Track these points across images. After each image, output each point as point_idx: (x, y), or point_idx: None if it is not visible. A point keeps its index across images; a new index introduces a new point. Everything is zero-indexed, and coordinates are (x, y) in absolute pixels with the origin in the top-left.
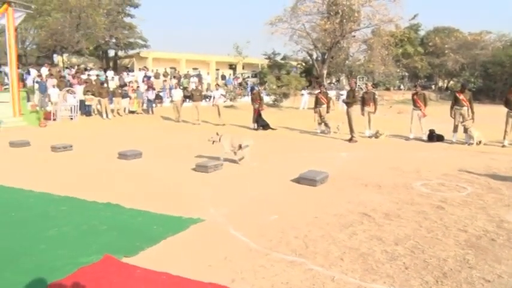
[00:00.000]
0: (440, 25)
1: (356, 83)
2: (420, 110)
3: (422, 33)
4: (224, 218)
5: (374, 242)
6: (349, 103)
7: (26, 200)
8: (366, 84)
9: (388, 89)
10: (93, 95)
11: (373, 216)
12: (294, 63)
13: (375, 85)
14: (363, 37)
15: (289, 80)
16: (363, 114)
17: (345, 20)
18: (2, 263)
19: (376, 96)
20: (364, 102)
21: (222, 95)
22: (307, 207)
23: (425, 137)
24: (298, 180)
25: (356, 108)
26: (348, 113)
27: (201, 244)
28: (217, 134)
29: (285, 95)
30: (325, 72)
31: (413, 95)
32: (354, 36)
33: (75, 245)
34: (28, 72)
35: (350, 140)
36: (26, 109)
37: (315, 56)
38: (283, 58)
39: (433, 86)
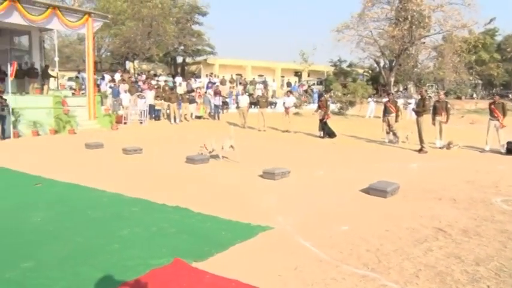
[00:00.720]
0: None
1: (427, 91)
2: (498, 120)
3: (499, 38)
4: (293, 226)
5: (452, 261)
6: (419, 112)
7: (100, 199)
8: (438, 92)
9: (459, 98)
10: (163, 100)
11: (449, 232)
12: (360, 71)
13: (445, 93)
14: (433, 43)
15: (356, 87)
16: (433, 124)
17: (414, 26)
18: (80, 258)
19: (449, 106)
20: (435, 112)
21: (294, 102)
22: (378, 220)
23: (503, 150)
24: (368, 191)
25: (426, 118)
26: (417, 123)
27: (270, 253)
28: (205, 147)
29: (351, 103)
30: (392, 80)
31: (490, 104)
32: (424, 42)
33: (146, 246)
34: (102, 78)
35: (420, 150)
36: (100, 112)
37: (382, 64)
38: (349, 65)
39: (510, 95)
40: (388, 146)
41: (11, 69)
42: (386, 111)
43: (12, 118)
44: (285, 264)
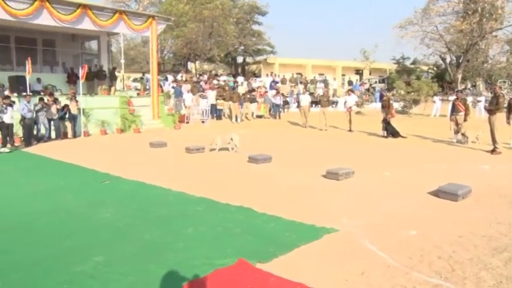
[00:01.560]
0: None
1: (501, 88)
2: None
3: None
4: (358, 229)
5: None
6: (492, 110)
7: (165, 198)
8: None
9: None
10: (224, 99)
11: None
12: (425, 68)
13: None
14: (507, 37)
15: (420, 85)
16: (508, 123)
17: (484, 19)
18: (148, 255)
19: None
20: (510, 110)
21: (355, 101)
22: (449, 225)
23: None
24: (437, 194)
25: (499, 117)
26: (490, 122)
27: (335, 256)
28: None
29: (415, 102)
30: (459, 76)
31: None
32: (496, 36)
33: (211, 246)
34: (165, 79)
35: (493, 151)
36: (163, 112)
37: (448, 60)
38: (413, 62)
39: None
40: (457, 146)
41: (82, 72)
42: (454, 110)
43: (83, 118)
44: (352, 268)
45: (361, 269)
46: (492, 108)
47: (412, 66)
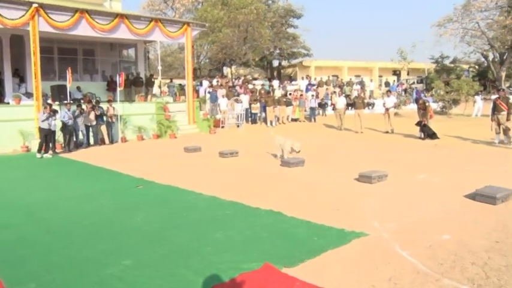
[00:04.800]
0: None
1: None
2: None
3: None
4: (389, 233)
5: None
6: None
7: (196, 202)
8: None
9: None
10: (259, 103)
11: None
12: (465, 67)
13: None
14: None
15: (460, 84)
16: None
17: None
18: (176, 259)
19: None
20: None
21: (394, 102)
22: (485, 229)
23: None
24: (474, 197)
25: None
26: None
27: (363, 261)
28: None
29: (455, 102)
30: (503, 74)
31: None
32: None
33: (238, 250)
34: (201, 84)
35: None
36: (199, 117)
37: (491, 57)
38: (453, 61)
39: None
40: (499, 147)
41: (120, 80)
42: (495, 109)
43: (120, 124)
44: (379, 274)
45: (389, 275)
46: None
47: (452, 65)
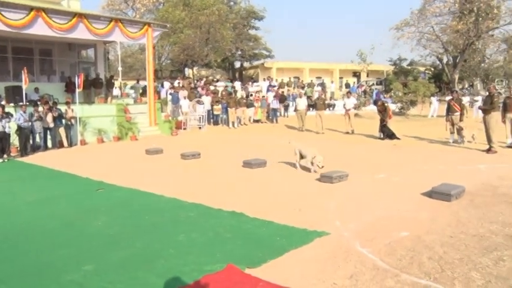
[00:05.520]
0: None
1: (495, 87)
2: None
3: None
4: (350, 232)
5: None
6: (486, 110)
7: (158, 204)
8: (510, 87)
9: None
10: (220, 105)
11: None
12: (422, 69)
13: None
14: (503, 35)
15: (417, 86)
16: (503, 122)
17: (481, 19)
18: (138, 262)
19: None
20: (506, 108)
21: (354, 103)
22: (441, 225)
23: None
24: (430, 194)
25: (496, 116)
26: (485, 121)
27: (325, 259)
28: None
29: (412, 103)
30: (456, 77)
31: None
32: (492, 35)
33: (201, 252)
34: (162, 85)
35: (488, 150)
36: (160, 119)
37: (445, 60)
38: (410, 64)
39: None
40: (453, 146)
41: (79, 81)
42: (449, 110)
43: (79, 127)
44: (341, 272)
45: (350, 272)
46: (487, 107)
47: (409, 67)
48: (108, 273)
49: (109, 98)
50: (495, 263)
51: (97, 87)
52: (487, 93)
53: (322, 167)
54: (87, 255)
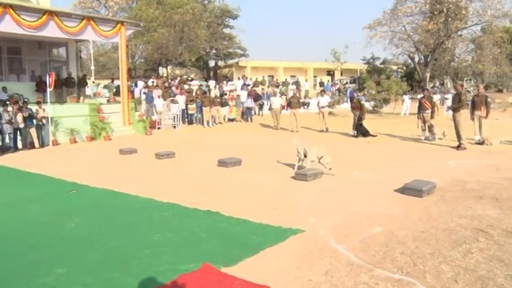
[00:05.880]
0: None
1: (463, 86)
2: None
3: None
4: (325, 229)
5: (494, 264)
6: (455, 108)
7: (132, 205)
8: (478, 86)
9: (500, 91)
10: (195, 104)
11: (490, 233)
12: (394, 68)
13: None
14: (471, 36)
15: (390, 84)
16: (472, 119)
17: (450, 19)
18: (113, 263)
19: (489, 100)
20: (474, 106)
21: (328, 102)
22: (413, 221)
23: None
24: (403, 191)
25: (464, 113)
26: (454, 119)
27: (300, 256)
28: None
29: (385, 101)
30: (428, 75)
31: None
32: (461, 35)
33: (177, 251)
34: (136, 84)
35: (458, 147)
36: (134, 118)
37: (416, 59)
38: (383, 62)
39: None
40: (424, 143)
41: (50, 80)
42: (421, 108)
43: (51, 127)
44: (316, 268)
45: (325, 269)
46: (455, 106)
47: (382, 66)
48: (82, 275)
49: (81, 98)
50: (464, 255)
51: (69, 87)
52: (455, 92)
53: (330, 169)
54: (60, 258)
